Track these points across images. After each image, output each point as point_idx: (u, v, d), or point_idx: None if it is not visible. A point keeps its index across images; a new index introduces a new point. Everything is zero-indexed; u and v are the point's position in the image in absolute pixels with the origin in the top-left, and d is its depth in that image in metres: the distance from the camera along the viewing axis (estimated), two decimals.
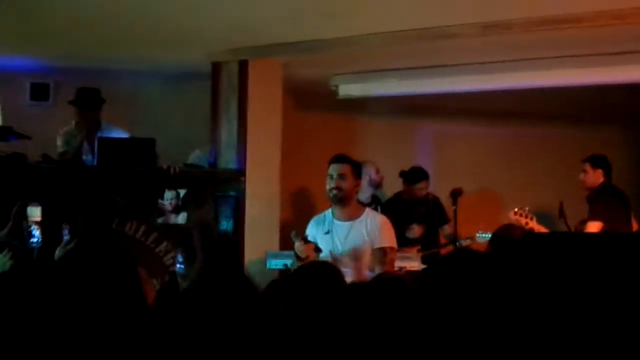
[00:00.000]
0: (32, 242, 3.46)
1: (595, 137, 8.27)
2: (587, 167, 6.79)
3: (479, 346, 1.98)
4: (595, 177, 6.75)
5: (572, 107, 8.00)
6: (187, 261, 4.16)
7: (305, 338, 2.52)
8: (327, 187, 5.05)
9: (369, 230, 4.99)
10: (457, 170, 8.15)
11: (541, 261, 2.18)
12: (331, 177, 5.02)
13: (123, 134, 6.86)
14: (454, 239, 6.77)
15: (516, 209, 6.48)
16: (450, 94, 7.28)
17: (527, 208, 6.52)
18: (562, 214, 6.65)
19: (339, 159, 5.10)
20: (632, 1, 4.94)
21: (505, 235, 4.32)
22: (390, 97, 7.56)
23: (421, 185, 7.31)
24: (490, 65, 6.65)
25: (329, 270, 3.03)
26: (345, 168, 5.01)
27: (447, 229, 7.28)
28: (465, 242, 6.85)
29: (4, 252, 3.54)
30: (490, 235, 4.61)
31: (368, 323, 2.58)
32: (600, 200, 6.61)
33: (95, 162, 6.34)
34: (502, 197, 8.41)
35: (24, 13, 5.57)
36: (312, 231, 5.13)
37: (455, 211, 6.72)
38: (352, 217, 5.04)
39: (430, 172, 7.47)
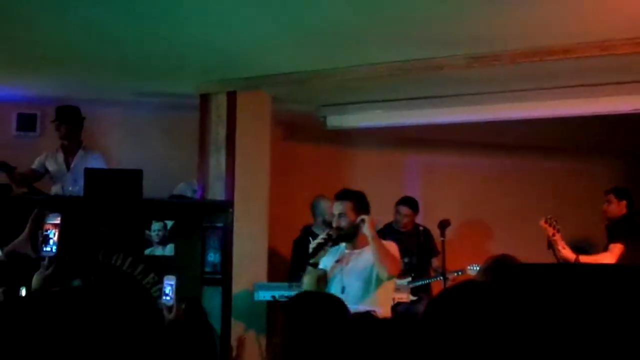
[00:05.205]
0: (46, 251, 2.95)
1: (582, 169, 8.28)
2: (612, 197, 6.85)
3: None
4: (619, 208, 6.81)
5: (559, 138, 8.02)
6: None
7: None
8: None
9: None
10: (445, 201, 8.13)
11: (535, 292, 2.14)
12: (333, 216, 4.89)
13: (100, 160, 6.82)
14: (442, 271, 6.73)
15: (549, 217, 6.40)
16: (438, 125, 7.28)
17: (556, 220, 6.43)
18: (550, 245, 6.62)
19: (340, 195, 4.92)
20: (619, 32, 4.97)
21: (503, 265, 4.19)
22: (378, 128, 7.55)
23: (402, 209, 7.28)
24: (478, 96, 6.67)
25: (335, 304, 2.94)
26: (344, 205, 4.83)
27: (435, 261, 7.24)
28: (455, 275, 6.79)
29: None
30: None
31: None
32: (622, 228, 6.65)
33: (81, 192, 6.31)
34: (489, 229, 8.39)
35: (13, 42, 5.55)
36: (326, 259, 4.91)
37: (443, 242, 6.68)
38: (359, 246, 4.85)
39: (418, 203, 7.43)
